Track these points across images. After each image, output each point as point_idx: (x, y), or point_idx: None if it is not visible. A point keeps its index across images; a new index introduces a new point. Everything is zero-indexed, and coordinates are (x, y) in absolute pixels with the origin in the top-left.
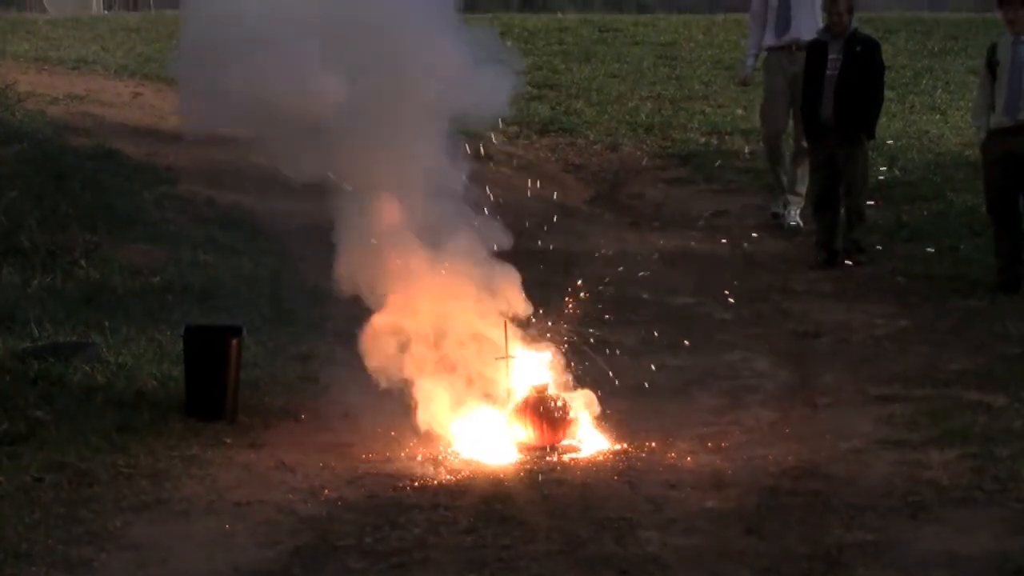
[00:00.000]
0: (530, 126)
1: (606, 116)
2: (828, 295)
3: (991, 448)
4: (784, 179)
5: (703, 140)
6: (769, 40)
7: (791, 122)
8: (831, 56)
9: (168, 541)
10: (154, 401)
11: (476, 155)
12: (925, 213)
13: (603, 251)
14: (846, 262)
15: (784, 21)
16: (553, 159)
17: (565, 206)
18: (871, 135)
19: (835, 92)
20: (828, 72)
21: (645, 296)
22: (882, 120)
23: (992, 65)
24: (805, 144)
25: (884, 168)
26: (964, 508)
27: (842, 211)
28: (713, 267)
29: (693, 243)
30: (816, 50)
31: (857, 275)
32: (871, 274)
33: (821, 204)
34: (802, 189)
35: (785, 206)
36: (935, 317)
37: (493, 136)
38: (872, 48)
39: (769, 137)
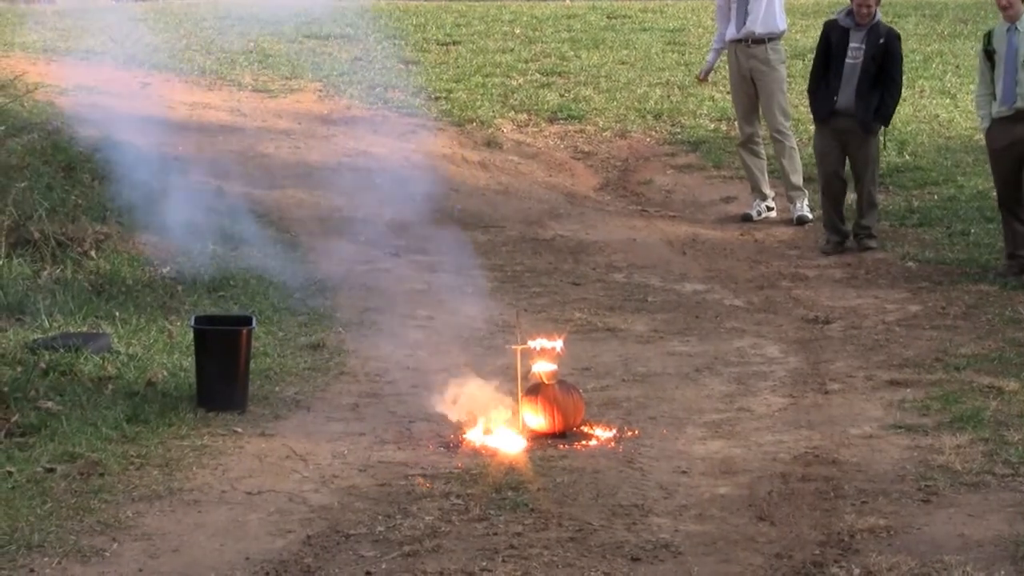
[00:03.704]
0: (539, 114)
1: (615, 103)
2: (838, 281)
3: (1002, 432)
4: (760, 177)
5: (712, 126)
6: (731, 33)
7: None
8: (853, 44)
9: (180, 530)
10: (165, 391)
11: (486, 142)
12: (935, 198)
13: (612, 238)
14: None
15: (743, 14)
16: (562, 146)
17: (574, 193)
18: (888, 123)
19: (858, 82)
20: (849, 60)
21: (654, 283)
22: None
23: (989, 53)
24: (779, 133)
25: (894, 153)
26: (976, 493)
27: (852, 197)
28: (723, 254)
29: (703, 229)
30: (836, 34)
31: (867, 261)
32: (881, 259)
33: (830, 187)
34: (799, 180)
35: (763, 203)
36: (946, 302)
37: (502, 124)
38: (896, 40)
39: (743, 130)
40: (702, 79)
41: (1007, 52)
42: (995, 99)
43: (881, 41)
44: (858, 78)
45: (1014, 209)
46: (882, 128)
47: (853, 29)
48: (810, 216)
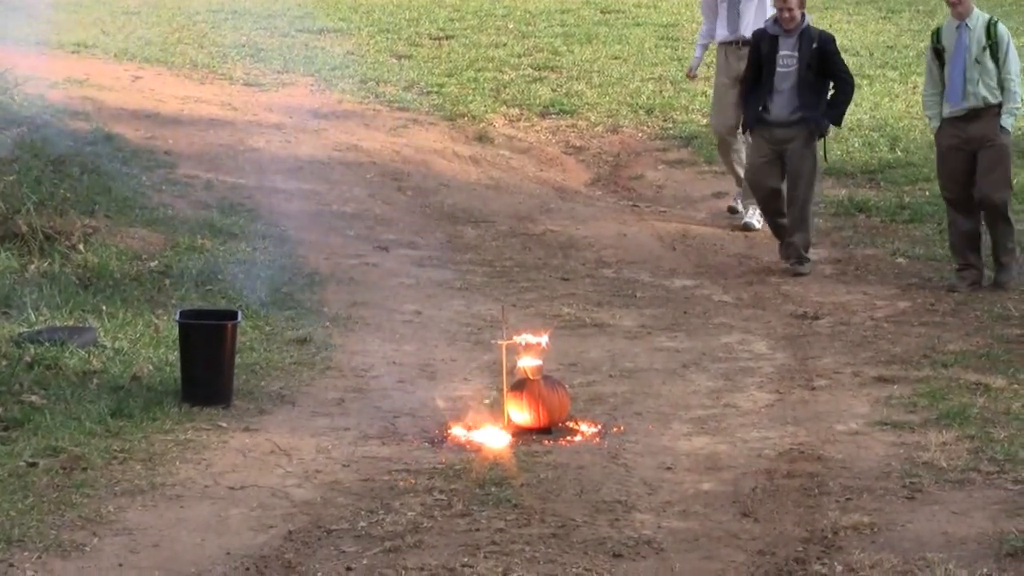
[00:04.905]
0: (531, 108)
1: (607, 98)
2: (828, 277)
3: (989, 430)
4: (740, 172)
5: (704, 121)
6: (721, 34)
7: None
8: (784, 52)
9: (161, 525)
10: (150, 385)
11: (477, 137)
12: (927, 194)
13: (602, 233)
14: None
15: (735, 16)
16: (553, 141)
17: (565, 188)
18: (839, 123)
19: (798, 92)
20: (781, 68)
21: (644, 278)
22: (883, 101)
23: (938, 52)
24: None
25: (886, 149)
26: (961, 490)
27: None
28: (713, 249)
29: (693, 225)
30: (765, 43)
31: (857, 257)
32: (871, 256)
33: (769, 204)
34: None
35: (740, 200)
36: (935, 298)
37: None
38: (830, 42)
39: (718, 132)
40: (692, 76)
41: (956, 49)
42: (944, 98)
43: (814, 46)
44: (796, 87)
45: (966, 212)
46: (822, 138)
47: (782, 36)
48: (757, 226)
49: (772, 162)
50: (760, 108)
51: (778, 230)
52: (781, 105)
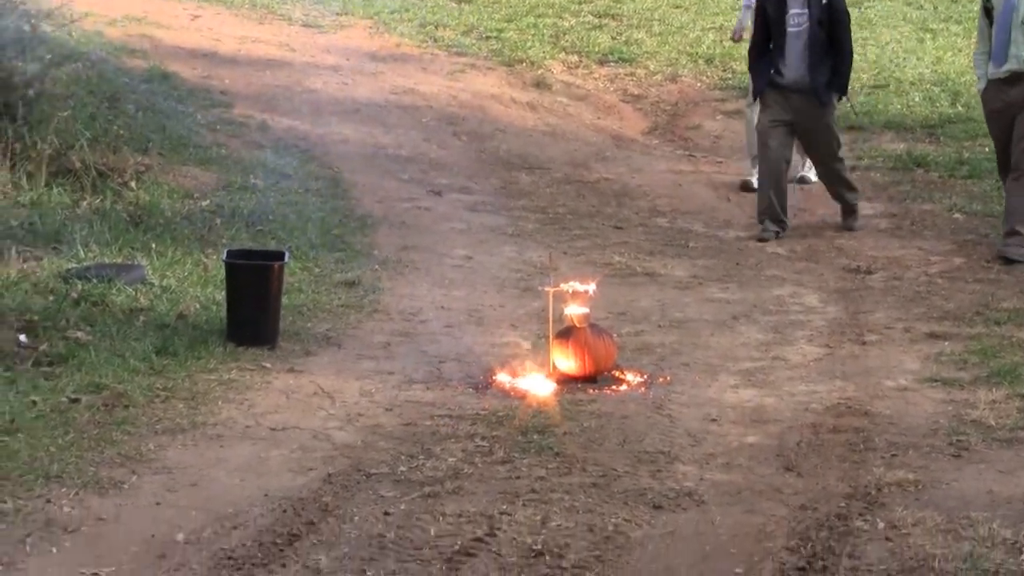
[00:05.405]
0: (590, 56)
1: (667, 47)
2: (883, 231)
3: None
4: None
5: None
6: None
7: None
8: (793, 11)
9: (200, 464)
10: (196, 324)
11: (535, 83)
12: (986, 150)
13: (657, 182)
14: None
15: None
16: (611, 89)
17: (621, 136)
18: (845, 92)
19: (809, 52)
20: (792, 28)
21: (697, 229)
22: (946, 55)
23: (988, 11)
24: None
25: (947, 104)
26: (1008, 448)
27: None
28: None
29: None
30: (771, 4)
31: (913, 211)
32: (928, 211)
33: (774, 172)
34: None
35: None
36: (990, 255)
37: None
38: None
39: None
40: (737, 39)
41: (1003, 9)
42: (990, 59)
43: (824, 2)
44: (807, 47)
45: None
46: (843, 98)
47: None
48: (814, 178)
49: (785, 129)
50: (772, 72)
51: (775, 202)
52: (794, 67)
